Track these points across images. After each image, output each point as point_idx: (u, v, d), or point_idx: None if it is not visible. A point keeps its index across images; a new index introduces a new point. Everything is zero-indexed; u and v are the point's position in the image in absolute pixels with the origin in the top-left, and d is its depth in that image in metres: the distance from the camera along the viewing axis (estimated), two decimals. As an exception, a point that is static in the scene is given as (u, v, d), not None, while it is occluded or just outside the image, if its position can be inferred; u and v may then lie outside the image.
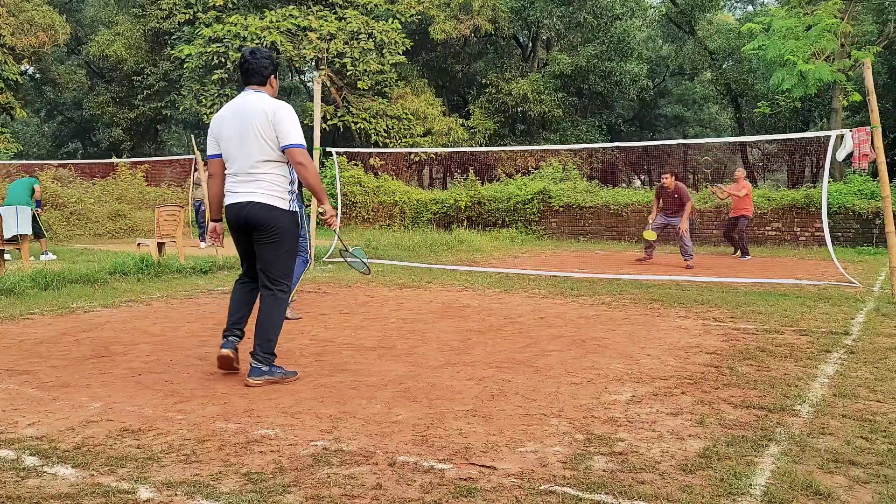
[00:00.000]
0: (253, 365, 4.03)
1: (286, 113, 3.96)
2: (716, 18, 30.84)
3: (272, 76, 4.15)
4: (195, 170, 15.27)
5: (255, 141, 3.93)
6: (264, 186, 3.98)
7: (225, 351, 4.15)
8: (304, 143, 4.03)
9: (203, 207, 14.94)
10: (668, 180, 10.80)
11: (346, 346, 5.12)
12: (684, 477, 2.75)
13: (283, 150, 3.95)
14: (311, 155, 7.88)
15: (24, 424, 3.35)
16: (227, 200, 4.09)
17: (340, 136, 26.61)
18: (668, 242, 14.04)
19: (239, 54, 22.99)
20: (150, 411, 3.56)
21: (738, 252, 12.44)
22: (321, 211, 4.18)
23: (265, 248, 4.06)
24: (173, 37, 27.63)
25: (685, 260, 10.58)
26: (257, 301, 4.22)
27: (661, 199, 11.01)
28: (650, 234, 10.83)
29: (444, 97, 29.36)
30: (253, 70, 4.06)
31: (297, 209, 4.23)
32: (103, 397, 3.80)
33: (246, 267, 4.30)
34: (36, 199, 12.10)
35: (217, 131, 4.09)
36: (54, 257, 11.34)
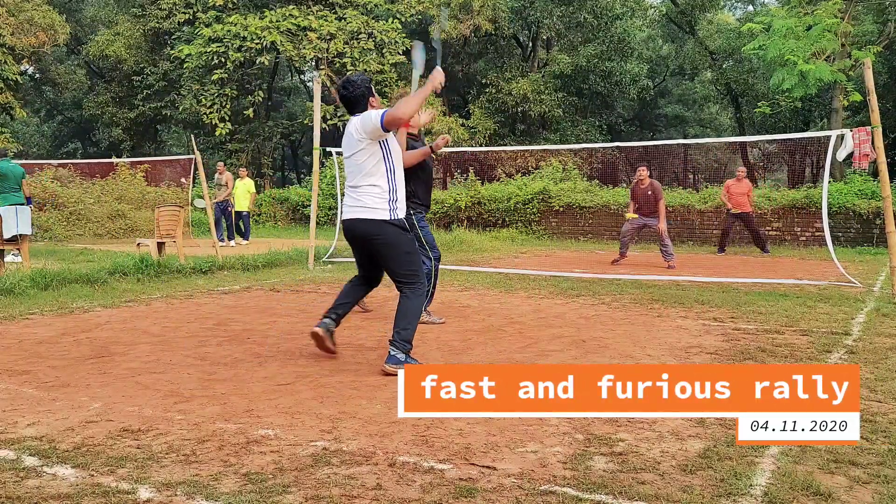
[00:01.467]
0: (391, 352, 4.28)
1: (369, 111, 4.28)
2: (716, 18, 30.85)
3: (371, 97, 4.40)
4: (219, 172, 15.41)
5: (358, 153, 4.27)
6: (362, 200, 4.29)
7: (316, 329, 4.57)
8: (385, 110, 4.17)
9: (230, 209, 15.05)
10: (643, 173, 10.62)
11: (346, 346, 5.12)
12: (684, 477, 2.75)
13: (384, 127, 4.12)
14: (311, 155, 7.90)
15: (24, 424, 3.35)
16: (342, 216, 4.48)
17: (341, 136, 26.53)
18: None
19: (239, 54, 23.12)
20: (150, 411, 3.55)
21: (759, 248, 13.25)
22: (432, 90, 4.46)
23: (382, 258, 4.41)
24: (173, 37, 27.64)
25: (666, 260, 10.50)
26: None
27: (636, 198, 10.88)
28: (632, 215, 10.79)
29: (443, 97, 29.32)
30: (353, 102, 4.37)
31: (400, 216, 4.36)
32: (103, 397, 3.80)
33: (361, 273, 4.73)
34: (27, 196, 11.92)
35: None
36: (20, 259, 10.95)
